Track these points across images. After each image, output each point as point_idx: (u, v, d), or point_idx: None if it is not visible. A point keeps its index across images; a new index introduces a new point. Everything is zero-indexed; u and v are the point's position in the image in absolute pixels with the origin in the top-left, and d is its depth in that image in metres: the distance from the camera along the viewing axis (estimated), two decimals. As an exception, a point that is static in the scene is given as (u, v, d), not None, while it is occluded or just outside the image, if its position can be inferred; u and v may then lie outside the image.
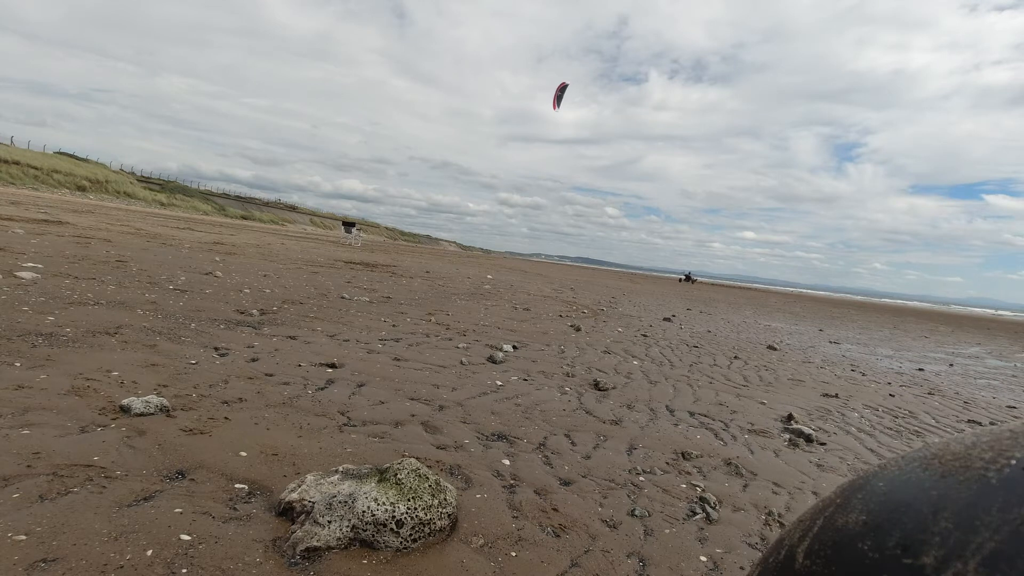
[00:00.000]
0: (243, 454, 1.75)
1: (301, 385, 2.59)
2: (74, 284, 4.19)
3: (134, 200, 47.41)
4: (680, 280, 45.48)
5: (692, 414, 3.19)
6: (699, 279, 61.46)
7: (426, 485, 1.47)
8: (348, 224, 27.94)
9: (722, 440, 2.76)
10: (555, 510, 1.73)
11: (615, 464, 2.22)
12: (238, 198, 77.49)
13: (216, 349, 2.99)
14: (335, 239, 29.69)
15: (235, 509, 1.43)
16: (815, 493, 2.24)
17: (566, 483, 1.96)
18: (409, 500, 1.40)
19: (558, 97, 32.13)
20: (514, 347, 4.43)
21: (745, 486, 2.20)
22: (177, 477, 1.55)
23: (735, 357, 5.75)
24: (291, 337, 3.58)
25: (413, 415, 2.43)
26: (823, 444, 2.95)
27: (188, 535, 1.27)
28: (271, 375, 2.68)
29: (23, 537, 1.16)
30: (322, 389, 2.59)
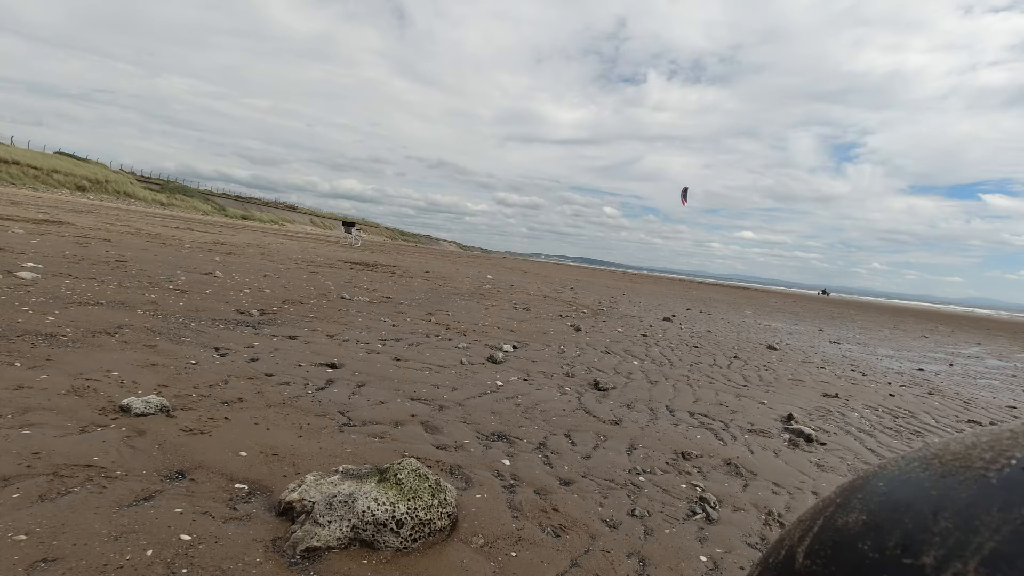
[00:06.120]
0: (243, 454, 1.75)
1: (301, 385, 2.59)
2: (74, 284, 4.19)
3: (134, 200, 47.40)
4: (819, 294, 57.55)
5: (692, 414, 3.18)
6: (833, 294, 78.70)
7: (426, 485, 1.47)
8: (348, 224, 27.95)
9: (722, 440, 2.76)
10: (555, 510, 1.73)
11: (615, 464, 2.22)
12: (238, 198, 77.43)
13: (216, 349, 3.00)
14: (335, 239, 29.68)
15: (235, 509, 1.43)
16: (815, 493, 2.24)
17: (566, 483, 1.96)
18: (409, 500, 1.40)
19: (684, 195, 41.19)
20: (514, 347, 4.43)
21: (745, 486, 2.20)
22: (177, 477, 1.55)
23: (735, 357, 5.75)
24: (291, 337, 3.58)
25: (413, 415, 2.43)
26: (823, 444, 2.95)
27: (188, 535, 1.27)
28: (271, 375, 2.68)
29: (23, 537, 1.16)
30: (322, 389, 2.59)
